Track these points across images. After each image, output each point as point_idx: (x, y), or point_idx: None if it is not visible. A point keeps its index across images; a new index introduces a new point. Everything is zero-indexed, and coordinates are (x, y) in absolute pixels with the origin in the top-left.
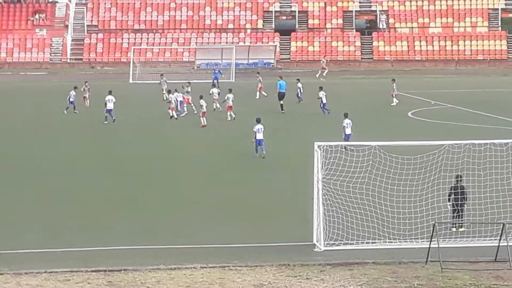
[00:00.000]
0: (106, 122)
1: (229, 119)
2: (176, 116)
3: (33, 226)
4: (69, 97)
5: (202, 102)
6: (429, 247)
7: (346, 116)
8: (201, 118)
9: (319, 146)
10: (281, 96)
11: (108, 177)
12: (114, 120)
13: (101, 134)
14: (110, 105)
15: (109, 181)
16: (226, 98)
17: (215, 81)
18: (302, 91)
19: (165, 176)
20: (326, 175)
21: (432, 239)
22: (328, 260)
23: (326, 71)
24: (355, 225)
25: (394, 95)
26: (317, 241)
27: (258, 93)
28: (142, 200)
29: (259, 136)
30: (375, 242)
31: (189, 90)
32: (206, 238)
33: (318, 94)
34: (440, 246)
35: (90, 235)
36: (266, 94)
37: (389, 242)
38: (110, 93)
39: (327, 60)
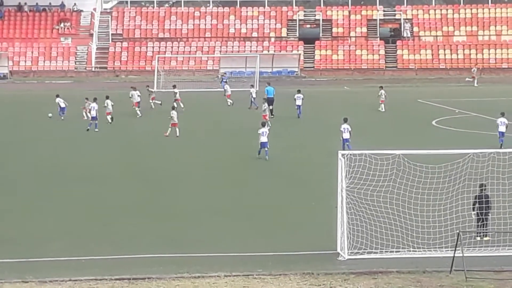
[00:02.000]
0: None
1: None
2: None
3: (58, 234)
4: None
5: (173, 113)
6: (454, 256)
7: (345, 121)
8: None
9: (343, 155)
10: (270, 101)
11: (132, 185)
12: (88, 129)
13: (125, 143)
14: (93, 113)
15: (133, 189)
16: (264, 108)
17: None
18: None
19: (189, 184)
20: (350, 183)
21: (457, 248)
22: (352, 269)
23: (476, 79)
24: (379, 233)
25: (381, 101)
26: (341, 250)
27: (228, 100)
28: (166, 209)
29: (263, 139)
30: (399, 251)
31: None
32: (229, 246)
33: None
34: (464, 255)
35: (114, 243)
36: (257, 106)
37: (413, 251)
38: (94, 100)
39: (478, 69)
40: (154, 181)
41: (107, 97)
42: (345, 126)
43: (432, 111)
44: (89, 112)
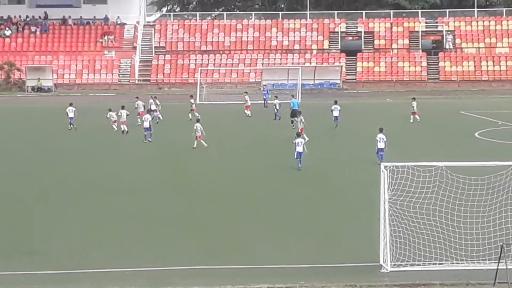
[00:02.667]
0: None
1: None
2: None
3: (100, 246)
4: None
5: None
6: (497, 269)
7: (380, 131)
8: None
9: (385, 167)
10: (293, 113)
11: (171, 197)
12: (74, 128)
13: (169, 155)
14: (71, 115)
15: (173, 201)
16: (300, 120)
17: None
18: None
19: (227, 196)
20: (393, 195)
21: (500, 261)
22: (394, 281)
23: None
24: (422, 245)
25: (413, 113)
26: (383, 262)
27: (246, 111)
28: (206, 220)
29: (299, 149)
30: (442, 263)
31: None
32: (271, 258)
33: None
34: (508, 267)
35: (158, 255)
36: (250, 114)
37: (456, 263)
38: (70, 105)
39: None
40: (192, 193)
41: (123, 107)
42: (380, 136)
43: (475, 123)
44: (114, 123)
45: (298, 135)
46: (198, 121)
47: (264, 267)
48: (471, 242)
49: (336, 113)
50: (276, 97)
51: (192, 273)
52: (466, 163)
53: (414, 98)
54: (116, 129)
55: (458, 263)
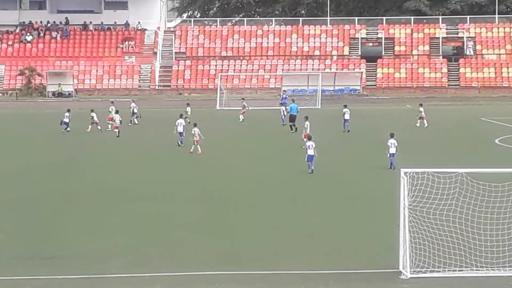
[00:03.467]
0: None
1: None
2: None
3: (120, 251)
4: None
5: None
6: None
7: (391, 136)
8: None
9: (405, 173)
10: (292, 118)
11: (194, 202)
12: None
13: (186, 160)
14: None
15: (196, 206)
16: (305, 126)
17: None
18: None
19: (250, 201)
20: (412, 202)
21: None
22: (414, 287)
23: None
24: (442, 252)
25: (420, 117)
26: (403, 268)
27: (241, 116)
28: (227, 225)
29: (310, 152)
30: (462, 270)
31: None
32: (290, 263)
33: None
34: None
35: (177, 260)
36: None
37: (476, 270)
38: (68, 111)
39: None
40: (207, 199)
41: (117, 112)
42: (391, 141)
43: (495, 129)
44: (113, 120)
45: (310, 138)
46: (195, 125)
47: (282, 273)
48: (491, 249)
49: (347, 116)
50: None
51: (211, 278)
52: (486, 170)
53: (421, 104)
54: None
55: (478, 270)
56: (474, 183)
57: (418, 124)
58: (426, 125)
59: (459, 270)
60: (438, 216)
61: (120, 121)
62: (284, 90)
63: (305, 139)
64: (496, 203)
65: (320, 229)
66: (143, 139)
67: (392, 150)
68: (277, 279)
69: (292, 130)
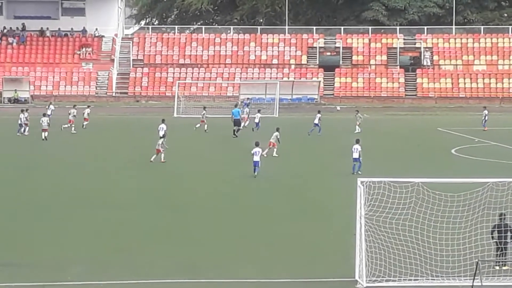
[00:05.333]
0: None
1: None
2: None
3: (79, 258)
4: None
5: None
6: (472, 285)
7: (357, 142)
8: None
9: (362, 182)
10: (235, 122)
11: (154, 210)
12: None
13: (146, 168)
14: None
15: (155, 214)
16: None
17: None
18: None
19: (209, 210)
20: (369, 211)
21: (475, 277)
22: None
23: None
24: (398, 261)
25: (358, 124)
26: (359, 278)
27: (203, 125)
28: (186, 234)
29: (256, 158)
30: (417, 279)
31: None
32: (247, 272)
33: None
34: (483, 284)
35: (134, 268)
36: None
37: (431, 279)
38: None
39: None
40: (171, 206)
41: (44, 114)
42: (355, 146)
43: (452, 139)
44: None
45: (257, 144)
46: (163, 136)
47: (240, 281)
48: (446, 259)
49: (316, 121)
50: (259, 110)
51: (166, 286)
52: (442, 180)
53: (357, 111)
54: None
55: (434, 279)
56: (430, 193)
57: (356, 130)
58: (360, 130)
59: (414, 279)
60: (394, 225)
61: (48, 124)
62: (249, 98)
63: (270, 147)
64: (452, 213)
65: (278, 237)
66: (103, 146)
67: (355, 155)
68: (234, 287)
69: (234, 134)
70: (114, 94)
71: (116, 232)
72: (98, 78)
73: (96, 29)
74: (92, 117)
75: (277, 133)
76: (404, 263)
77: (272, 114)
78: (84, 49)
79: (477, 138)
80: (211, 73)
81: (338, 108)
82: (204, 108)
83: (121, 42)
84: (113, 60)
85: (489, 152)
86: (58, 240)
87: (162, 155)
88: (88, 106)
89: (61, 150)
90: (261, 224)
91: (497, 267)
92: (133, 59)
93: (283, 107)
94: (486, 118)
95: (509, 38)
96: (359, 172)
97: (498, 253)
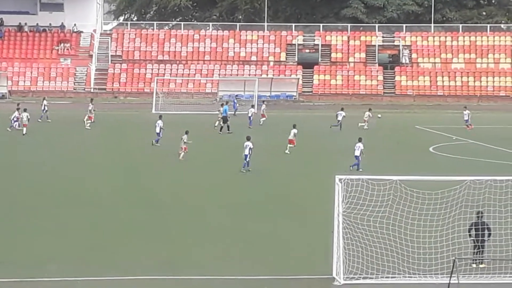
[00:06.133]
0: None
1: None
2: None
3: (57, 256)
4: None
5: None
6: (449, 283)
7: (359, 140)
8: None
9: (340, 179)
10: (224, 119)
11: (133, 207)
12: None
13: (126, 165)
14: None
15: (135, 211)
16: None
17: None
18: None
19: (189, 207)
20: (347, 208)
21: (452, 275)
22: None
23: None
24: (375, 259)
25: (365, 120)
26: (336, 275)
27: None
28: (165, 231)
29: (246, 151)
30: (394, 277)
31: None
32: (225, 269)
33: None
34: (460, 282)
35: (113, 265)
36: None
37: (409, 277)
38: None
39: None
40: (151, 204)
41: (25, 110)
42: (358, 144)
43: (430, 137)
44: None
45: (248, 138)
46: (186, 132)
47: (218, 278)
48: (424, 256)
49: (339, 118)
50: (253, 106)
51: (145, 283)
52: (420, 177)
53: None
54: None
55: (411, 277)
56: (408, 190)
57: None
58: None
59: (392, 277)
60: (372, 223)
61: (28, 119)
62: (236, 95)
63: (290, 145)
64: (429, 211)
65: (256, 235)
66: (81, 144)
67: (357, 152)
68: (212, 284)
69: (229, 130)
70: (92, 90)
71: (94, 229)
72: (76, 74)
73: (75, 24)
74: (70, 114)
75: (295, 130)
76: (382, 260)
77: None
78: (62, 45)
79: (455, 136)
80: (189, 69)
81: (379, 115)
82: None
83: (100, 38)
84: (91, 56)
85: (467, 150)
86: (36, 237)
87: (182, 153)
88: (91, 100)
89: (39, 147)
90: (240, 221)
91: (474, 265)
92: (111, 55)
93: (261, 104)
94: (468, 117)
95: (488, 37)
96: (360, 170)
97: (475, 251)
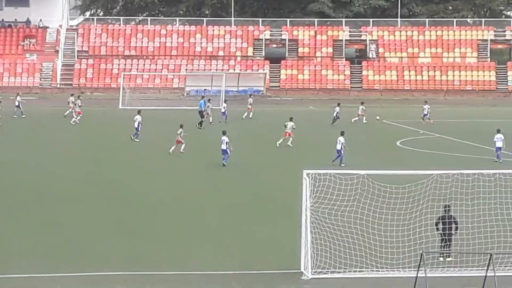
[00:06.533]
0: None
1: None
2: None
3: (25, 252)
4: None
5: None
6: (417, 277)
7: (341, 134)
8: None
9: (307, 174)
10: (200, 113)
11: (103, 204)
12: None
13: (97, 160)
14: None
15: (104, 208)
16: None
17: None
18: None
19: (159, 203)
20: (315, 203)
21: (420, 269)
22: None
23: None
24: (343, 253)
25: (360, 114)
26: (304, 269)
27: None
28: (130, 227)
29: (223, 146)
30: (362, 271)
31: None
32: (193, 265)
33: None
34: (427, 275)
35: (81, 260)
36: None
37: (376, 270)
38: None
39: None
40: (119, 199)
41: None
42: (339, 138)
43: (397, 131)
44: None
45: (224, 133)
46: (181, 126)
47: (185, 274)
48: (391, 250)
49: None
50: (225, 101)
51: (113, 279)
52: (387, 172)
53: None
54: None
55: (378, 271)
56: (375, 185)
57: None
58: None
59: (359, 271)
60: (340, 217)
61: None
62: (205, 89)
63: (286, 137)
64: (397, 205)
65: (225, 230)
66: (49, 139)
67: (338, 146)
68: (179, 280)
69: (200, 126)
70: (58, 86)
71: (64, 225)
72: (43, 70)
73: (41, 20)
74: (36, 109)
75: (292, 123)
76: (350, 254)
77: (218, 106)
78: (28, 40)
79: (422, 130)
80: (156, 64)
81: (378, 117)
82: (79, 97)
83: (66, 33)
84: (57, 51)
85: (433, 144)
86: (4, 232)
87: (183, 146)
88: (79, 96)
89: (8, 142)
90: (209, 217)
91: (442, 259)
92: (78, 50)
93: (229, 99)
94: (427, 112)
95: (454, 31)
96: (342, 165)
97: (443, 244)
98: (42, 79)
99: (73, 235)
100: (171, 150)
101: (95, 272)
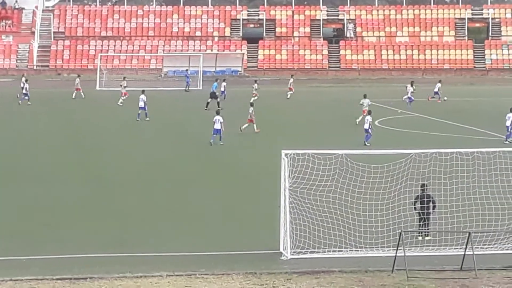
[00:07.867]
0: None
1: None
2: None
3: (3, 235)
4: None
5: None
6: (395, 256)
7: (217, 113)
8: None
9: (286, 154)
10: (211, 94)
11: (83, 184)
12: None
13: (76, 141)
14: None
15: (84, 189)
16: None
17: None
18: None
19: (134, 183)
20: (293, 183)
21: (399, 248)
22: (294, 268)
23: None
24: (322, 233)
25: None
26: (283, 250)
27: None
28: (110, 208)
29: (217, 126)
30: (341, 251)
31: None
32: (173, 246)
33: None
34: (406, 254)
35: (57, 243)
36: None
37: (355, 250)
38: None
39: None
40: (98, 180)
41: None
42: (367, 117)
43: (375, 111)
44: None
45: (217, 113)
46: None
47: (165, 255)
48: (370, 230)
49: (436, 89)
50: (224, 80)
51: (92, 261)
52: (365, 151)
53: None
54: None
55: (357, 251)
56: (354, 164)
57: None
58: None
59: (338, 251)
60: (319, 197)
61: None
62: (187, 69)
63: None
64: (375, 184)
65: (205, 211)
66: (27, 121)
67: (366, 126)
68: (159, 261)
69: (207, 107)
70: (35, 67)
71: (42, 206)
72: (19, 51)
73: (16, 1)
74: (13, 91)
75: (367, 100)
76: (328, 234)
77: (196, 87)
78: (3, 22)
79: (400, 110)
80: (133, 45)
81: (445, 98)
82: (124, 78)
83: (42, 15)
84: (33, 33)
85: (412, 123)
86: None
87: (255, 125)
88: (124, 78)
89: None
90: (190, 198)
91: (420, 238)
92: (54, 32)
93: (206, 80)
94: (437, 89)
95: (431, 10)
96: (367, 144)
97: (421, 223)
98: (18, 61)
99: (52, 217)
100: (243, 127)
101: (74, 254)
